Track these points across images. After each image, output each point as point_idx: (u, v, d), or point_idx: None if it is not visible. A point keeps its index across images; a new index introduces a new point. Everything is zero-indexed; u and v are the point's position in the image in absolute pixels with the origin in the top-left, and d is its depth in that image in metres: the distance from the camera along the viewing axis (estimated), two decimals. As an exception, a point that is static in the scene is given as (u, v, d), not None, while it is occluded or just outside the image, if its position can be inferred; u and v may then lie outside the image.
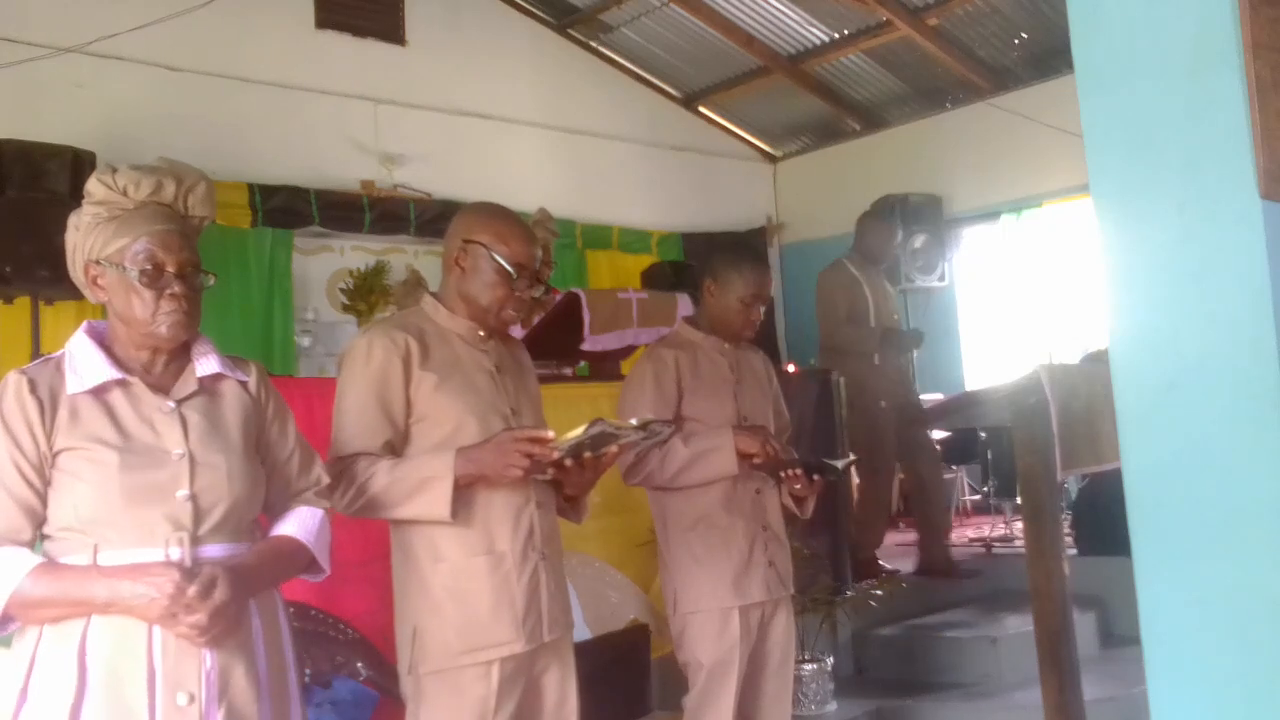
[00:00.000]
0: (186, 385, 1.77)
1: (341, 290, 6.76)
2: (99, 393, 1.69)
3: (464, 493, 2.05)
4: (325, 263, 7.04)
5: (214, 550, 1.68)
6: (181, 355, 1.80)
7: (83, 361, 1.71)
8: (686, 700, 2.76)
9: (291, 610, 2.82)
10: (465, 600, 2.08)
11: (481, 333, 2.22)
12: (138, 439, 1.68)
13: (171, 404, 1.73)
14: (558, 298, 4.55)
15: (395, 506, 2.05)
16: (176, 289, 1.73)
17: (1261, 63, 1.35)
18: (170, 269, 1.73)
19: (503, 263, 2.15)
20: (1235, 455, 1.38)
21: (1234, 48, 1.35)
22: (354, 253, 7.04)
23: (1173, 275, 1.43)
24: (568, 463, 2.05)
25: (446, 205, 7.25)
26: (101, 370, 1.70)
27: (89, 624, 1.61)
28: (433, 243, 7.36)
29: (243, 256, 6.51)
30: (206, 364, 1.80)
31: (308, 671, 2.77)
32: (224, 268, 6.39)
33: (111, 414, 1.68)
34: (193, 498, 1.67)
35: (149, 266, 1.71)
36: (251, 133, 6.58)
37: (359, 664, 2.86)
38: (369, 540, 3.24)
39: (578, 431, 2.00)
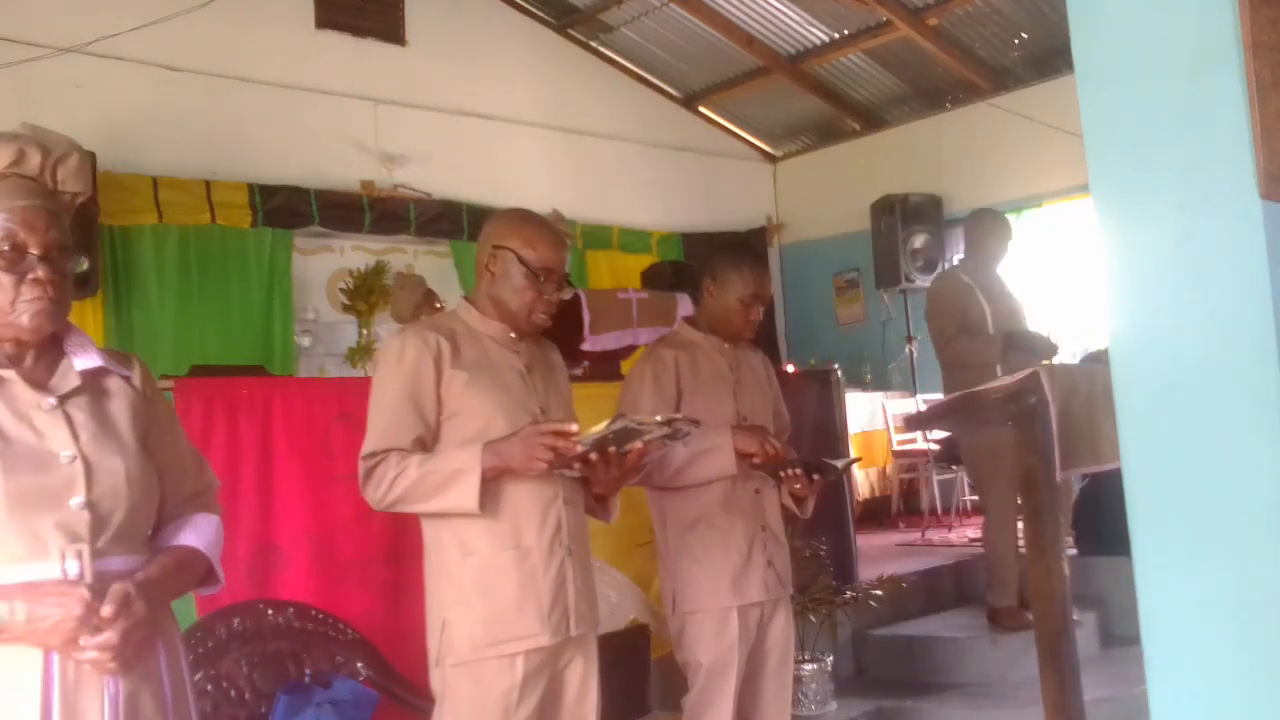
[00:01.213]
0: (66, 380, 1.56)
1: (341, 290, 6.75)
2: None
3: (492, 486, 2.09)
4: (325, 263, 7.04)
5: (116, 563, 1.50)
6: (53, 348, 1.59)
7: None
8: (686, 700, 2.77)
9: (291, 610, 2.84)
10: (492, 593, 2.12)
11: (513, 334, 2.27)
12: (18, 440, 1.47)
13: (52, 401, 1.52)
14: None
15: (425, 500, 2.09)
16: (40, 273, 1.50)
17: (1261, 63, 1.34)
18: (33, 251, 1.50)
19: (530, 267, 2.20)
20: (1235, 455, 1.38)
21: (1234, 48, 1.35)
22: (354, 253, 7.04)
23: (1173, 275, 1.43)
24: (592, 456, 2.08)
25: (446, 205, 7.26)
26: None
27: None
28: (433, 243, 7.38)
29: (243, 256, 6.51)
30: (86, 358, 1.59)
31: (307, 671, 2.77)
32: (224, 268, 6.41)
33: None
34: (89, 505, 1.48)
35: (7, 247, 1.49)
36: (251, 133, 6.58)
37: (359, 664, 2.86)
38: (370, 540, 3.24)
39: (601, 426, 2.03)
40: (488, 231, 2.29)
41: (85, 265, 1.59)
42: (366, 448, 2.14)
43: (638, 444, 2.11)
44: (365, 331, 6.55)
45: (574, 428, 2.06)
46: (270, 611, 2.81)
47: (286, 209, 6.60)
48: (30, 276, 1.50)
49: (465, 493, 2.05)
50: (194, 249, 6.32)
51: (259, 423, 3.17)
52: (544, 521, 2.17)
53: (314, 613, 2.89)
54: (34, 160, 1.57)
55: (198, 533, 1.68)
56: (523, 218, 2.30)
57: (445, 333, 2.20)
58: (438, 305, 5.58)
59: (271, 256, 6.62)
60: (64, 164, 1.60)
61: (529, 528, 2.15)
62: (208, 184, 6.32)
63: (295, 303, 6.75)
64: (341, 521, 3.22)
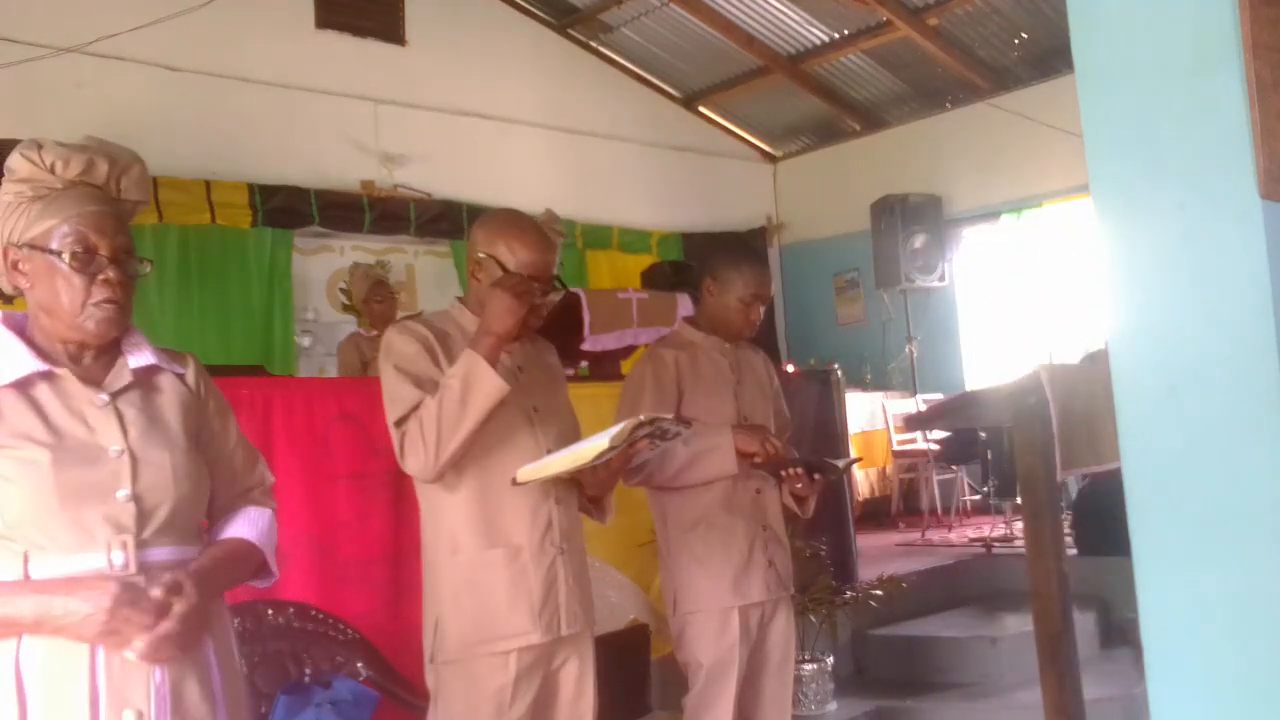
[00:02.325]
0: (120, 378, 1.63)
1: (341, 290, 6.75)
2: (23, 387, 1.55)
3: (492, 435, 2.08)
4: (325, 263, 7.04)
5: (161, 554, 1.56)
6: (111, 348, 1.66)
7: (2, 353, 1.57)
8: (686, 700, 2.77)
9: (291, 610, 2.84)
10: (482, 592, 2.11)
11: None
12: (70, 435, 1.54)
13: (105, 397, 1.59)
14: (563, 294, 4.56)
15: (459, 421, 2.03)
16: (110, 275, 1.58)
17: (1261, 63, 1.34)
18: (103, 253, 1.59)
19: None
20: (1235, 456, 1.38)
21: (1234, 48, 1.35)
22: (354, 253, 7.05)
23: (1173, 275, 1.43)
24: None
25: (446, 205, 7.26)
26: (24, 362, 1.56)
27: (20, 643, 1.47)
28: (433, 243, 7.39)
29: (243, 256, 6.51)
30: (140, 355, 1.66)
31: (307, 671, 2.77)
32: (224, 268, 6.41)
33: (38, 409, 1.54)
34: (135, 498, 1.54)
35: (80, 250, 1.57)
36: (251, 133, 6.58)
37: (359, 664, 2.86)
38: (369, 540, 3.24)
39: (587, 459, 2.01)
40: (473, 237, 2.26)
41: (148, 270, 1.67)
42: (393, 416, 2.10)
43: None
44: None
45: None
46: (270, 611, 2.81)
47: (286, 209, 6.60)
48: (100, 278, 1.58)
49: (484, 383, 2.02)
50: (194, 249, 6.32)
51: (259, 423, 3.17)
52: (534, 520, 2.16)
53: (314, 613, 2.89)
54: (102, 170, 1.64)
55: (249, 524, 1.73)
56: (506, 222, 2.26)
57: (437, 333, 2.19)
58: (384, 297, 5.57)
59: (271, 256, 6.62)
60: (128, 174, 1.68)
61: (519, 526, 2.14)
62: (208, 184, 6.32)
63: (295, 303, 6.75)
64: (341, 521, 3.23)
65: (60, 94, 5.81)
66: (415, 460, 2.06)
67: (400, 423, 2.09)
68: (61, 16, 5.90)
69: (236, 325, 6.44)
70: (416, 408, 2.07)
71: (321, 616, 2.90)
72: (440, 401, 2.04)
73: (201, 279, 6.31)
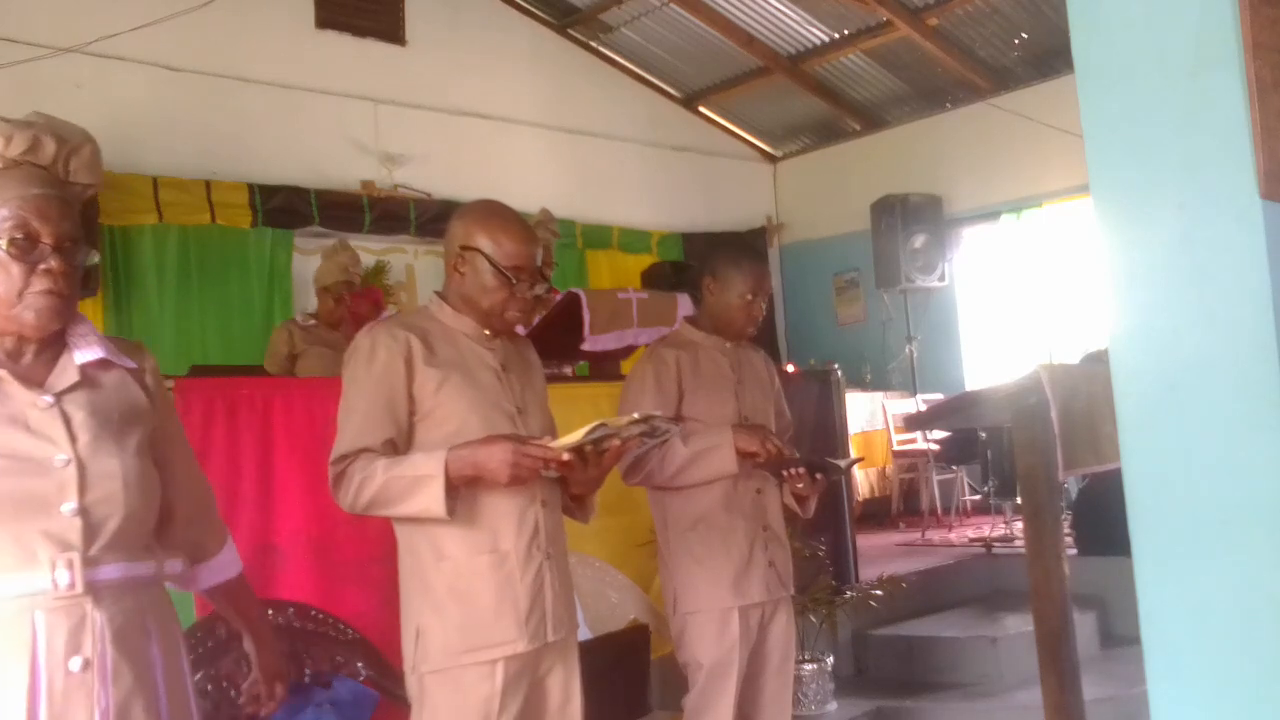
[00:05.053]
0: (65, 375, 1.49)
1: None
2: None
3: (466, 491, 2.04)
4: (325, 263, 7.04)
5: (110, 571, 1.44)
6: (55, 341, 1.52)
7: None
8: (686, 700, 2.76)
9: (291, 610, 2.84)
10: (467, 599, 2.06)
11: (487, 331, 2.20)
12: (9, 443, 1.41)
13: (49, 399, 1.46)
14: (558, 297, 4.56)
15: (394, 505, 2.02)
16: (53, 264, 1.45)
17: (1261, 63, 1.35)
18: (46, 240, 1.45)
19: (500, 268, 2.13)
20: (1235, 455, 1.38)
21: (1234, 48, 1.35)
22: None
23: (1173, 275, 1.43)
24: (565, 455, 2.02)
25: (446, 205, 7.25)
26: None
27: None
28: (433, 243, 7.37)
29: (243, 256, 6.51)
30: (88, 350, 1.52)
31: (307, 671, 2.77)
32: (224, 268, 6.41)
33: None
34: (82, 512, 1.42)
35: (20, 236, 1.43)
36: (251, 133, 6.58)
37: (359, 664, 2.86)
38: (369, 540, 3.24)
39: (578, 434, 1.99)
40: (454, 230, 2.20)
41: (96, 259, 1.55)
42: (336, 451, 2.06)
43: (615, 442, 2.06)
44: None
45: (559, 450, 2.00)
46: (270, 611, 2.80)
47: (286, 209, 6.60)
48: (42, 267, 1.45)
49: (431, 499, 1.98)
50: (194, 249, 6.32)
51: (259, 423, 3.17)
52: (521, 525, 2.11)
53: (314, 613, 2.89)
54: (49, 149, 1.53)
55: (235, 559, 1.82)
56: (487, 212, 2.20)
57: (417, 331, 2.13)
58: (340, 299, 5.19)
59: (271, 256, 6.62)
60: (77, 155, 1.57)
61: (506, 531, 2.09)
62: (208, 184, 6.32)
63: (295, 303, 6.74)
64: (341, 521, 3.22)
65: (60, 94, 5.80)
66: (341, 500, 2.05)
67: (341, 460, 2.05)
68: (61, 16, 5.90)
69: (236, 325, 6.44)
70: (359, 455, 2.03)
71: (321, 616, 2.89)
72: (386, 479, 2.00)
73: (201, 279, 6.31)
